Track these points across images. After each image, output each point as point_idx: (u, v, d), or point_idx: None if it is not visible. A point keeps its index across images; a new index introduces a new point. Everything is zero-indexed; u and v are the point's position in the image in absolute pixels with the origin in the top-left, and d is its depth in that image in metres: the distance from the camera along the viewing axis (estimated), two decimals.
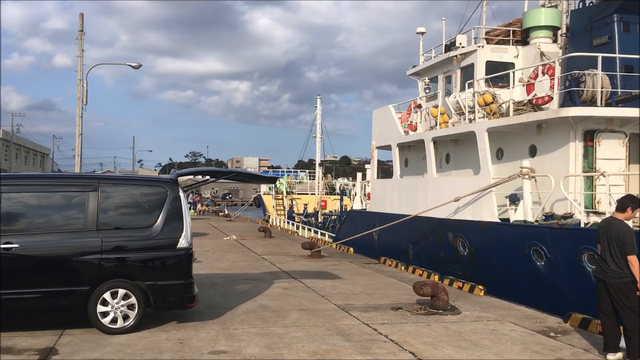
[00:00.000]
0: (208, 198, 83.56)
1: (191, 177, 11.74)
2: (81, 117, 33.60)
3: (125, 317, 8.16)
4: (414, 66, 22.22)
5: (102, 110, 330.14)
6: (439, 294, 10.14)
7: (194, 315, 9.32)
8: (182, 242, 8.47)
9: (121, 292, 8.13)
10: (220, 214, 49.04)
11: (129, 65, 34.70)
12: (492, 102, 16.12)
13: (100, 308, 8.05)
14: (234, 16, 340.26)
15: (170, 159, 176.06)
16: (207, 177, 10.55)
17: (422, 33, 22.20)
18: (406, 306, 10.46)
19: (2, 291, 7.65)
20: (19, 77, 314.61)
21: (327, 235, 28.03)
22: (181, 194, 8.64)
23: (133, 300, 8.17)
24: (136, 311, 8.18)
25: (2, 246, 7.69)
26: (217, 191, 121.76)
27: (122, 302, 8.14)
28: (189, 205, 37.66)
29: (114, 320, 8.11)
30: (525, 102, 15.48)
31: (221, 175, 10.39)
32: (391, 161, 22.89)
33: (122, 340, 7.82)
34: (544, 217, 13.60)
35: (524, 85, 16.01)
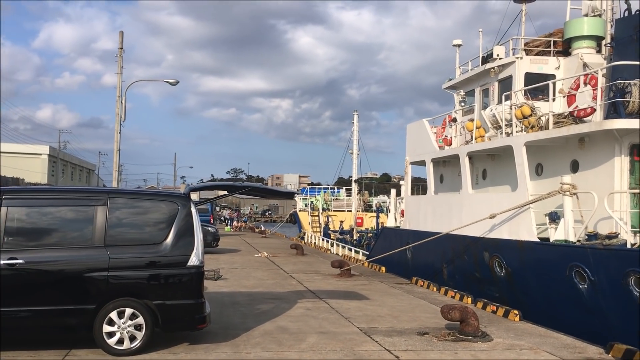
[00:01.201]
0: (247, 214, 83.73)
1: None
2: (119, 132, 34.03)
3: (132, 338, 7.77)
4: (450, 79, 21.60)
5: (147, 128, 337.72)
6: (468, 319, 9.44)
7: (207, 336, 8.88)
8: (193, 260, 8.07)
9: (128, 311, 7.75)
10: (256, 230, 48.84)
11: (167, 82, 35.09)
12: (531, 115, 15.35)
13: (107, 328, 7.68)
14: (277, 35, 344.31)
15: (212, 175, 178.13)
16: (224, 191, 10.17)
17: (459, 45, 21.59)
18: (433, 331, 9.79)
19: (4, 308, 7.37)
20: (69, 96, 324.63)
21: (360, 253, 27.39)
22: (193, 209, 8.25)
23: (141, 320, 7.78)
24: (143, 332, 7.78)
25: (6, 262, 7.41)
26: (257, 207, 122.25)
27: (129, 322, 7.75)
28: (226, 221, 37.64)
29: (120, 341, 7.72)
30: (566, 114, 14.68)
31: (236, 190, 10.00)
32: None
33: None
34: (586, 237, 12.75)
35: (564, 97, 15.21)
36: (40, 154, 78.31)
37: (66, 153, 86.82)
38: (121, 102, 33.39)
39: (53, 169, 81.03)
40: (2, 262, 7.39)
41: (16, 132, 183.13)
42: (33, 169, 72.21)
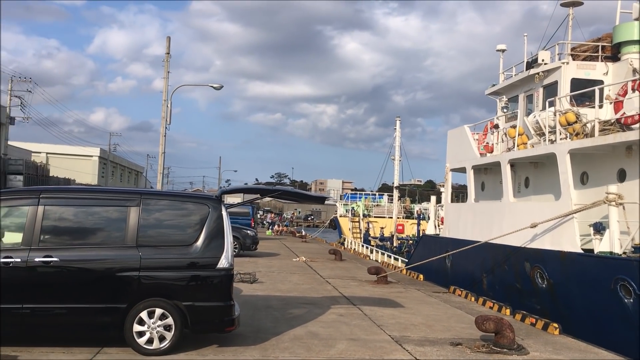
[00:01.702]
0: (288, 218, 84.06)
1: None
2: (165, 136, 34.70)
3: (162, 338, 7.83)
4: (493, 85, 21.18)
5: (195, 132, 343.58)
6: (503, 331, 9.16)
7: (237, 339, 8.88)
8: (223, 262, 8.08)
9: (158, 311, 7.81)
10: (297, 234, 48.96)
11: (211, 86, 35.55)
12: (576, 122, 14.88)
13: (137, 327, 7.76)
14: (323, 41, 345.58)
15: (257, 179, 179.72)
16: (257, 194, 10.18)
17: (503, 50, 21.17)
18: (467, 342, 9.55)
19: (39, 305, 7.54)
20: (121, 100, 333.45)
21: (400, 261, 27.08)
22: (224, 212, 8.27)
23: (170, 320, 7.83)
24: (173, 332, 7.83)
25: (42, 259, 7.58)
26: (299, 212, 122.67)
27: (159, 322, 7.81)
28: (267, 224, 37.84)
29: (150, 341, 7.79)
30: (612, 121, 14.16)
31: (267, 193, 10.00)
32: None
33: None
34: (633, 249, 12.24)
35: (611, 103, 14.68)
36: (92, 156, 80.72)
37: (116, 155, 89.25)
38: (167, 106, 34.04)
39: (103, 170, 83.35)
40: (38, 259, 7.56)
41: (70, 134, 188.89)
42: (85, 170, 74.45)
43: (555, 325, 11.09)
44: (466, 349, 9.11)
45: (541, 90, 17.72)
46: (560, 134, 15.27)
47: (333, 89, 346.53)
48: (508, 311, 12.78)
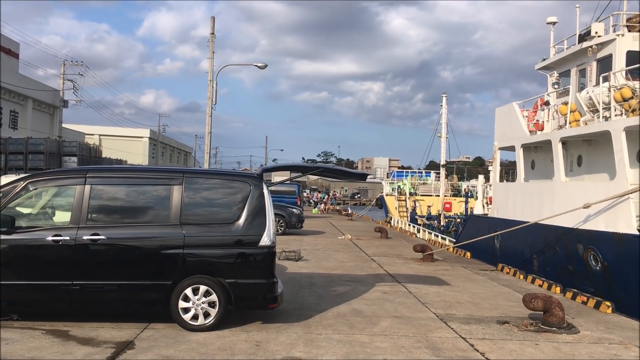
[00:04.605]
0: (333, 197, 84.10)
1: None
2: (211, 116, 35.10)
3: (206, 315, 7.96)
4: (544, 59, 20.48)
5: (242, 112, 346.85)
6: (552, 309, 8.93)
7: (280, 315, 8.96)
8: (265, 240, 8.12)
9: (202, 288, 7.93)
10: (343, 213, 48.98)
11: (256, 65, 35.66)
12: (632, 98, 14.26)
13: (182, 304, 7.90)
14: (369, 17, 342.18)
15: (303, 158, 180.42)
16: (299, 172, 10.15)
17: (554, 23, 20.42)
18: (514, 320, 9.37)
19: (89, 282, 7.77)
20: (170, 81, 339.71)
21: (447, 240, 26.77)
22: (265, 190, 8.30)
23: (214, 297, 7.94)
24: (217, 309, 7.94)
25: (89, 237, 7.78)
26: (346, 190, 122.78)
27: (203, 299, 7.93)
28: (313, 203, 38.05)
29: (195, 317, 7.93)
30: None
31: (308, 171, 9.96)
32: None
33: (201, 338, 7.61)
34: None
35: None
36: (142, 137, 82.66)
37: (165, 136, 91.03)
38: (212, 86, 34.37)
39: (153, 151, 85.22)
40: (86, 237, 7.77)
41: (121, 116, 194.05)
42: (135, 151, 76.33)
43: (608, 303, 10.72)
44: (513, 328, 8.94)
45: (595, 64, 17.04)
46: (615, 110, 14.68)
47: (379, 66, 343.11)
48: (558, 289, 12.47)
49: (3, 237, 7.67)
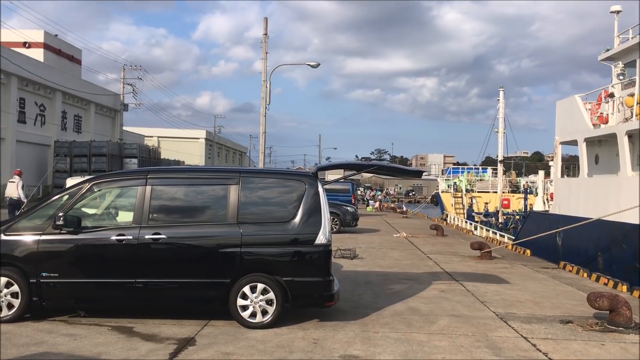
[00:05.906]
0: (388, 195, 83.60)
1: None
2: (265, 116, 35.48)
3: (264, 312, 8.05)
4: (608, 49, 19.73)
5: (295, 111, 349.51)
6: (619, 309, 8.60)
7: (337, 314, 8.97)
8: (321, 238, 8.14)
9: (260, 286, 8.03)
10: (398, 210, 48.61)
11: (309, 64, 35.83)
12: None
13: (240, 301, 8.02)
14: (421, 12, 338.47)
15: (356, 156, 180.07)
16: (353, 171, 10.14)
17: (618, 12, 19.62)
18: (578, 320, 9.07)
19: (151, 279, 7.98)
20: (225, 83, 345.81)
21: (506, 237, 26.15)
22: (320, 188, 8.32)
23: (271, 295, 8.03)
24: (274, 307, 8.02)
25: (151, 237, 8.00)
26: (400, 188, 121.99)
27: (261, 297, 8.03)
28: (366, 201, 37.94)
29: (253, 315, 8.04)
30: None
31: (363, 169, 9.93)
32: None
33: (259, 335, 7.71)
34: None
35: None
36: (199, 138, 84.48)
37: (221, 137, 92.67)
38: (266, 86, 34.74)
39: (209, 151, 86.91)
40: (148, 236, 7.99)
41: (179, 118, 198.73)
42: (192, 152, 78.06)
43: None
44: (577, 327, 8.66)
45: None
46: None
47: (432, 62, 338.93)
48: (625, 288, 12.00)
49: (71, 236, 7.97)
